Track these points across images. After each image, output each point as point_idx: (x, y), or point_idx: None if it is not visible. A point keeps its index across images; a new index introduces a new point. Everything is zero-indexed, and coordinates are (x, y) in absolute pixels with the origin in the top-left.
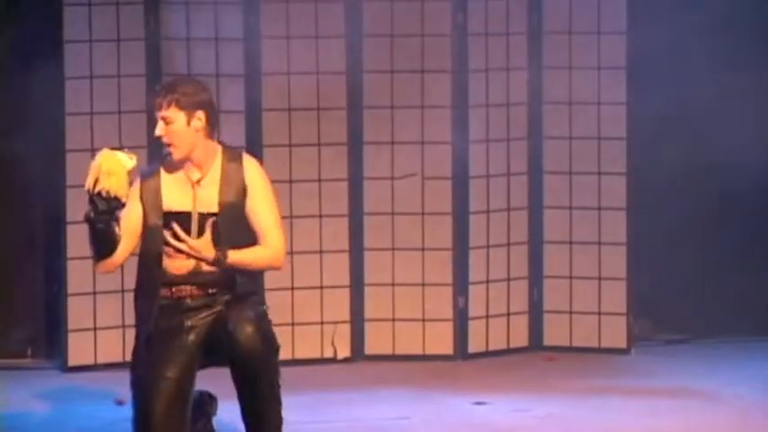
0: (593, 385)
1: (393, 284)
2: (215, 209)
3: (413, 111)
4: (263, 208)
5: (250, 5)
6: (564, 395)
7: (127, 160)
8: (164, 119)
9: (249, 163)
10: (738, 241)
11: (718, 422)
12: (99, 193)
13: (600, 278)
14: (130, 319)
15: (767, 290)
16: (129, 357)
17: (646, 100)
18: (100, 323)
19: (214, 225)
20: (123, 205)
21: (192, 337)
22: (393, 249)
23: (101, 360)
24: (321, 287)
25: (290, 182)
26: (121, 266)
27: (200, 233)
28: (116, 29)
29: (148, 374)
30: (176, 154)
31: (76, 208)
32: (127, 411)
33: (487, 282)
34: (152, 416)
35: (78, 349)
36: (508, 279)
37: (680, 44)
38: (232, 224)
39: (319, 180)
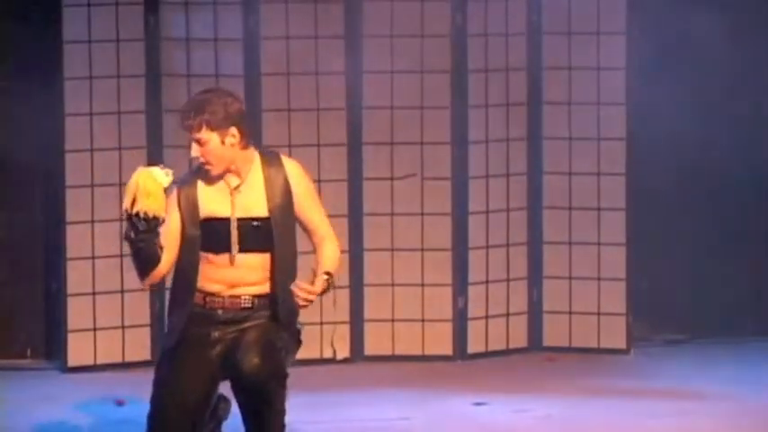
0: (592, 386)
1: (392, 285)
2: (262, 213)
3: (412, 111)
4: (311, 205)
5: (249, 6)
6: (563, 395)
7: (163, 177)
8: (197, 141)
9: (289, 163)
10: (738, 242)
11: (718, 423)
12: (137, 214)
13: (599, 279)
14: (130, 319)
15: (766, 290)
16: (128, 358)
17: (646, 100)
18: (99, 324)
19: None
20: (162, 222)
21: (216, 350)
22: (392, 250)
23: (100, 360)
24: None
25: None
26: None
27: (240, 239)
28: (115, 29)
29: (169, 382)
30: (215, 170)
31: (76, 208)
32: (127, 412)
33: (487, 282)
34: (167, 423)
35: (78, 350)
36: (508, 279)
37: (680, 44)
38: (283, 226)
39: (319, 180)
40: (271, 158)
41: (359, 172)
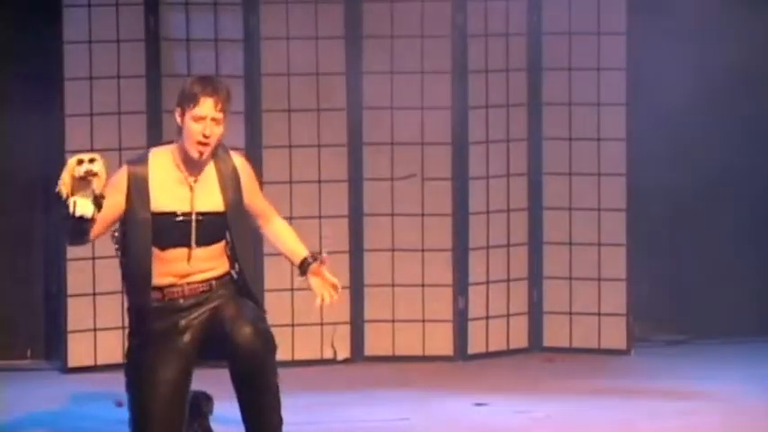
0: (593, 386)
1: (393, 285)
2: (219, 208)
3: (412, 111)
4: (257, 193)
5: (250, 6)
6: (564, 396)
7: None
8: (214, 120)
9: (234, 155)
10: (738, 242)
11: (719, 423)
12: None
13: (600, 279)
14: None
15: (767, 291)
16: None
17: (646, 101)
18: (99, 324)
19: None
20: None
21: (186, 337)
22: (393, 250)
23: (100, 361)
24: None
25: (290, 183)
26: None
27: (198, 235)
28: (116, 29)
29: (144, 377)
30: (207, 154)
31: None
32: (126, 412)
33: (487, 282)
34: (150, 418)
35: (78, 350)
36: (508, 280)
37: (680, 43)
38: (239, 219)
39: (319, 181)
40: (220, 152)
41: (359, 172)
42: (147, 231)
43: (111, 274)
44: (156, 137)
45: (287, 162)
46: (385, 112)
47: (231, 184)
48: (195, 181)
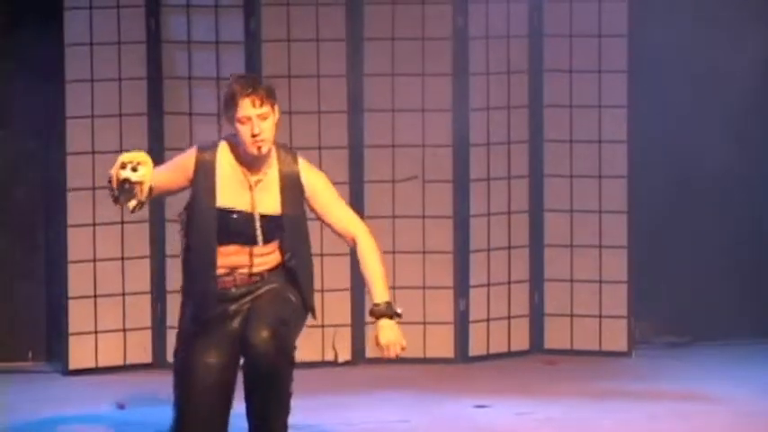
0: (594, 388)
1: (394, 287)
2: (277, 211)
3: (413, 114)
4: (335, 206)
5: (250, 9)
6: (565, 398)
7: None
8: (259, 116)
9: (303, 162)
10: (739, 244)
11: (720, 425)
12: (124, 182)
13: (601, 281)
14: (131, 322)
15: (767, 293)
16: (130, 360)
17: (647, 103)
18: (101, 326)
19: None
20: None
21: (235, 323)
22: (394, 252)
23: (102, 363)
24: (322, 290)
25: None
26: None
27: (263, 236)
28: (117, 32)
29: (192, 361)
30: (265, 148)
31: (78, 211)
32: (128, 415)
33: (488, 285)
34: (195, 402)
35: (79, 353)
36: (509, 282)
37: (681, 47)
38: (294, 225)
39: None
40: (287, 156)
41: (360, 174)
42: (212, 221)
43: (112, 277)
44: (156, 139)
45: None
46: (386, 114)
47: (291, 190)
48: (257, 182)
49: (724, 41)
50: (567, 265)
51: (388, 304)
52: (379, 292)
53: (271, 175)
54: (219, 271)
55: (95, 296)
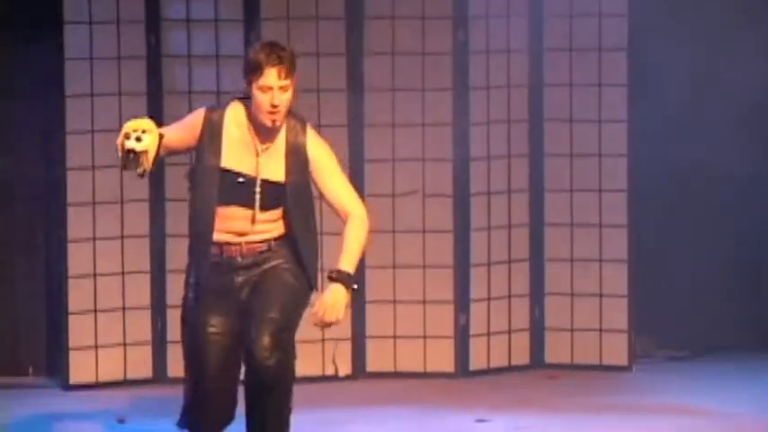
0: (594, 402)
1: (394, 302)
2: (280, 179)
3: (414, 128)
4: (334, 179)
5: (251, 23)
6: (565, 412)
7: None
8: (281, 88)
9: (312, 133)
10: (740, 258)
11: None
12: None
13: (601, 295)
14: (132, 337)
15: None
16: (130, 375)
17: (647, 117)
18: (101, 341)
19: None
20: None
21: (244, 292)
22: (394, 267)
23: (102, 378)
24: None
25: None
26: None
27: (263, 201)
28: (117, 46)
29: (200, 331)
30: (279, 121)
31: (77, 226)
32: (128, 429)
33: (489, 299)
34: (204, 366)
35: (80, 367)
36: (509, 296)
37: (681, 60)
38: (298, 194)
39: (320, 197)
40: (296, 124)
41: (361, 188)
42: (214, 178)
43: (112, 292)
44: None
45: None
46: (386, 128)
47: (296, 159)
48: (264, 149)
49: (725, 54)
50: (567, 279)
51: (349, 276)
52: (346, 261)
53: (278, 143)
54: (223, 237)
55: (96, 311)
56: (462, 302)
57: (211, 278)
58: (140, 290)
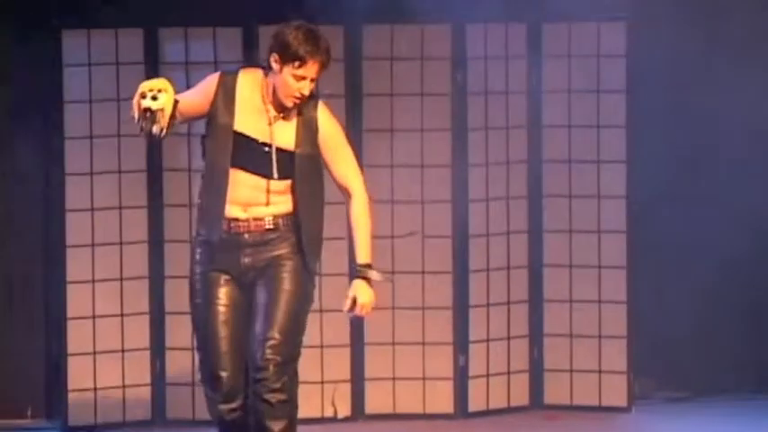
0: None
1: (393, 343)
2: (290, 147)
3: (412, 169)
4: (341, 153)
5: (250, 64)
6: None
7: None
8: (314, 80)
9: (323, 108)
10: (740, 299)
11: None
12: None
13: (600, 336)
14: (131, 378)
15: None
16: (129, 417)
17: (646, 158)
18: (100, 383)
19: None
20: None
21: (249, 276)
22: (393, 308)
23: (101, 420)
24: (321, 346)
25: None
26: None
27: (279, 169)
28: (116, 88)
29: (207, 303)
30: (299, 104)
31: (77, 267)
32: None
33: (488, 340)
34: (212, 337)
35: (78, 409)
36: (508, 337)
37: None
38: (306, 167)
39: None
40: (310, 100)
41: None
42: (228, 138)
43: (111, 333)
44: (156, 195)
45: None
46: (385, 169)
47: (307, 130)
48: (277, 118)
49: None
50: (566, 320)
51: (369, 266)
52: (362, 252)
53: (291, 113)
54: (233, 212)
55: (95, 352)
56: (461, 344)
57: (218, 254)
58: (139, 331)
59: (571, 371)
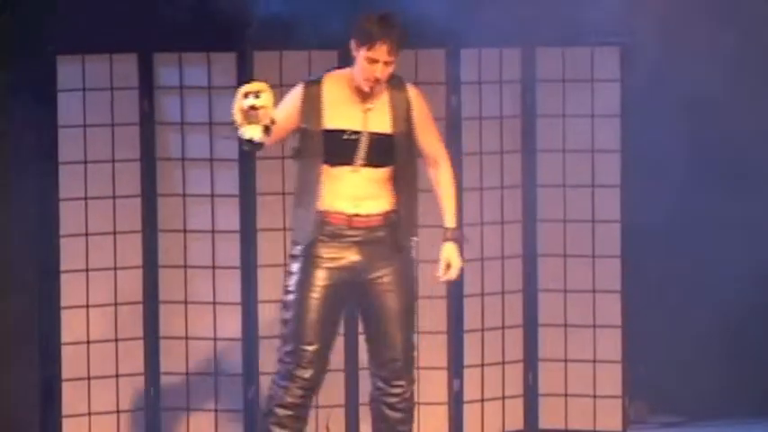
0: None
1: None
2: (387, 130)
3: None
4: (430, 128)
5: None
6: None
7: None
8: (387, 63)
9: (411, 89)
10: (736, 323)
11: None
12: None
13: (595, 361)
14: (125, 404)
15: (764, 371)
16: None
17: (641, 184)
18: (94, 408)
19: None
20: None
21: (344, 276)
22: None
23: None
24: None
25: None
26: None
27: (368, 153)
28: (110, 113)
29: (304, 286)
30: (377, 89)
31: (71, 292)
32: None
33: (482, 365)
34: (310, 317)
35: None
36: (503, 362)
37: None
38: (403, 146)
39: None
40: (397, 82)
41: None
42: (318, 144)
43: (105, 359)
44: (150, 221)
45: (281, 244)
46: None
47: (401, 112)
48: (369, 108)
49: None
50: (561, 344)
51: (456, 230)
52: (450, 217)
53: (382, 100)
54: (332, 204)
55: (89, 378)
56: (456, 368)
57: (318, 248)
58: (134, 357)
59: (566, 395)
